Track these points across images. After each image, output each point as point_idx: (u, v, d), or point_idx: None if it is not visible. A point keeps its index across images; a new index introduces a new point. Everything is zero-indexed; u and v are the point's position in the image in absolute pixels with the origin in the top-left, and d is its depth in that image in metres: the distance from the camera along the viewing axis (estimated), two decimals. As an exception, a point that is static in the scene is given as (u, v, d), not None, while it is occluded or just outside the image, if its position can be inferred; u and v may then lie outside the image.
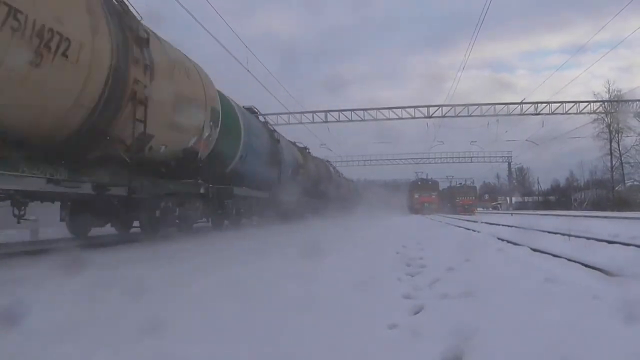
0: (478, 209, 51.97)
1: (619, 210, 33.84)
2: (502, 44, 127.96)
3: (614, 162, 43.60)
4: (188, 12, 13.19)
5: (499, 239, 9.15)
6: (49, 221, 9.40)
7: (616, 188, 43.34)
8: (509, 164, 56.12)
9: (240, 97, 13.48)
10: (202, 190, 9.69)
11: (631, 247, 7.13)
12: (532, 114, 32.06)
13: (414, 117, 32.94)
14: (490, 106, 32.50)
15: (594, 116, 37.39)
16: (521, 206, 59.59)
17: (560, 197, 55.73)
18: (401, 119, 32.97)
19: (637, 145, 40.60)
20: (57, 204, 7.73)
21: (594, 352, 2.05)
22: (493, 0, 20.81)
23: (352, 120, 33.28)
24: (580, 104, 31.99)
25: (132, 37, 6.75)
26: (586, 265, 5.03)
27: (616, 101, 36.48)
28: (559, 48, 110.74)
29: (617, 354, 2.04)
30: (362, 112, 33.09)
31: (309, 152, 23.44)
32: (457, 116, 32.84)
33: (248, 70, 19.09)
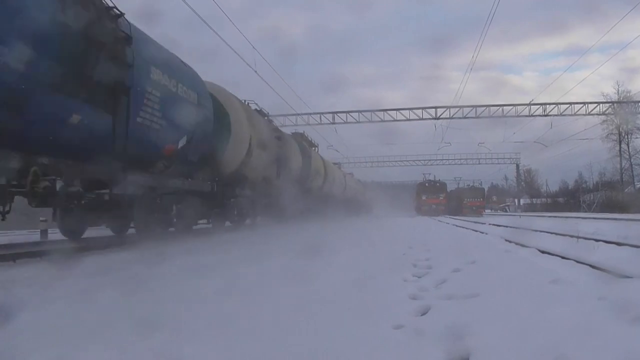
0: (486, 210, 51.65)
1: (628, 212, 33.50)
2: (509, 44, 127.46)
3: (623, 164, 43.25)
4: (194, 12, 13.36)
5: (506, 240, 9.10)
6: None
7: (626, 190, 42.89)
8: (517, 165, 55.86)
9: (248, 98, 13.88)
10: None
11: (640, 248, 7.06)
12: (540, 115, 31.84)
13: (421, 119, 32.86)
14: (498, 107, 32.36)
15: (602, 117, 37.10)
16: (529, 208, 59.11)
17: (568, 199, 55.18)
18: (408, 120, 32.90)
19: (646, 146, 40.27)
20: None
21: (599, 352, 2.06)
22: (500, 3, 20.68)
23: (359, 122, 33.26)
24: (589, 105, 31.76)
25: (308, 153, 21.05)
26: (594, 267, 5.00)
27: (625, 102, 36.13)
28: (565, 50, 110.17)
29: (620, 352, 2.05)
30: (369, 113, 33.04)
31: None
32: (464, 117, 32.71)
33: (256, 72, 19.18)
